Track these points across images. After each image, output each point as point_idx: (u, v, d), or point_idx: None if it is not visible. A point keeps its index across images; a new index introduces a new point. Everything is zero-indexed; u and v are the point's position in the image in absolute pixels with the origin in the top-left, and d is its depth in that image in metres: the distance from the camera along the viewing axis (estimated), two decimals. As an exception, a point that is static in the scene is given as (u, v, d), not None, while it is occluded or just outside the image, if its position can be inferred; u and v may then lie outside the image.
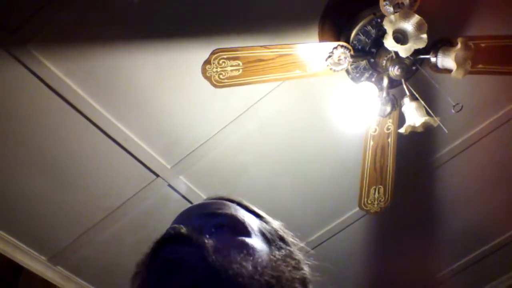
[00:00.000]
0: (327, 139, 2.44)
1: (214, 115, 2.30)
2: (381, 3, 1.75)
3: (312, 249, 2.76)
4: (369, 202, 2.29)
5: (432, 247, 3.06)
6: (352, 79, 2.10)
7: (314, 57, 1.90)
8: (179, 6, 1.96)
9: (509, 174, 2.70)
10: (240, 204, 0.77)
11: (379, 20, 1.92)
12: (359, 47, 1.99)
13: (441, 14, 2.00)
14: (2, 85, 2.09)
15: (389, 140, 2.12)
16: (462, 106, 1.84)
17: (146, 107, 2.24)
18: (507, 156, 2.61)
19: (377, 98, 2.00)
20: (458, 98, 1.91)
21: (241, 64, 1.87)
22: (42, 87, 2.10)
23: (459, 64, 1.76)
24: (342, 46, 1.91)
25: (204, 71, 1.86)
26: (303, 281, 0.68)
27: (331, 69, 1.93)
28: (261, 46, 1.88)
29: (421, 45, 1.75)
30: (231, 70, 1.87)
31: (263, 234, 0.72)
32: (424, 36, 1.73)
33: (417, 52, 1.79)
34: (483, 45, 1.90)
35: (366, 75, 2.07)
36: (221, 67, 1.86)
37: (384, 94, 2.02)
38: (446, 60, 1.84)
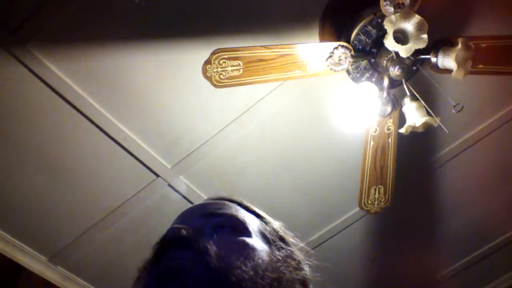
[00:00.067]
0: (327, 139, 2.44)
1: (215, 115, 2.30)
2: (382, 3, 1.75)
3: (312, 249, 2.75)
4: (369, 202, 2.29)
5: (432, 247, 3.06)
6: (353, 79, 2.10)
7: (314, 57, 1.90)
8: (179, 6, 1.96)
9: (509, 174, 2.70)
10: (240, 205, 0.77)
11: (379, 20, 1.92)
12: (360, 47, 1.99)
13: (441, 14, 2.00)
14: (2, 85, 2.09)
15: (390, 140, 2.12)
16: (462, 106, 1.84)
17: (146, 107, 2.23)
18: (507, 156, 2.61)
19: (378, 98, 2.00)
20: (458, 98, 1.91)
21: (241, 64, 1.87)
22: (42, 87, 2.10)
23: (459, 64, 1.76)
24: (342, 46, 1.91)
25: (204, 71, 1.86)
26: (304, 282, 0.68)
27: (331, 69, 1.93)
28: (261, 46, 1.87)
29: (421, 45, 1.75)
30: (232, 70, 1.87)
31: (263, 235, 0.72)
32: (425, 36, 1.73)
33: (417, 52, 1.79)
34: (483, 45, 1.89)
35: (367, 75, 2.07)
36: (221, 67, 1.86)
37: (385, 94, 2.01)
38: (446, 60, 1.84)
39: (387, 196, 2.28)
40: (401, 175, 2.33)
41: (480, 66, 1.92)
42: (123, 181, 2.47)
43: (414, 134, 1.92)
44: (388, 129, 2.10)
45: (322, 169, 2.57)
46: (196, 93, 2.20)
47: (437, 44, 1.88)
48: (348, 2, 2.01)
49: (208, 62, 1.84)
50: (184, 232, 0.65)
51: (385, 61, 1.93)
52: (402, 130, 1.91)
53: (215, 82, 1.89)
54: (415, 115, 1.90)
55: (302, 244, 0.76)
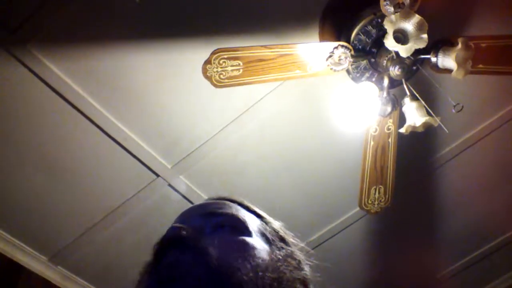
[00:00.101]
0: (327, 139, 2.44)
1: (215, 115, 2.30)
2: (382, 3, 1.75)
3: (313, 249, 2.76)
4: (369, 202, 2.29)
5: (432, 247, 3.06)
6: (353, 79, 2.10)
7: (314, 57, 1.90)
8: (179, 6, 1.96)
9: (509, 174, 2.70)
10: (241, 205, 0.77)
11: (379, 20, 1.92)
12: (360, 47, 1.99)
13: (441, 14, 2.00)
14: (2, 85, 2.09)
15: (390, 140, 2.12)
16: (462, 106, 1.84)
17: (146, 106, 2.23)
18: (507, 156, 2.61)
19: (378, 98, 2.00)
20: (458, 98, 1.91)
21: (241, 64, 1.87)
22: (42, 86, 2.10)
23: (459, 64, 1.76)
24: (342, 46, 1.91)
25: (204, 71, 1.86)
26: (304, 281, 0.68)
27: (331, 69, 1.93)
28: (261, 46, 1.87)
29: (421, 45, 1.75)
30: (232, 70, 1.87)
31: (263, 234, 0.72)
32: (425, 36, 1.73)
33: (417, 52, 1.79)
34: (483, 45, 1.89)
35: (367, 75, 2.07)
36: (221, 67, 1.86)
37: (385, 94, 2.01)
38: (446, 60, 1.84)
39: (387, 196, 2.28)
40: (401, 175, 2.33)
41: (480, 66, 1.92)
42: (123, 181, 2.47)
43: (414, 134, 1.92)
44: (388, 129, 2.10)
45: (322, 169, 2.57)
46: (196, 93, 2.20)
47: (437, 44, 1.88)
48: (348, 2, 2.01)
49: (208, 62, 1.84)
50: (184, 232, 0.65)
51: (385, 61, 1.93)
52: (402, 130, 1.91)
53: (215, 82, 1.89)
54: (415, 115, 1.90)
55: (302, 244, 0.76)
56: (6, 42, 1.96)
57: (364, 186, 2.24)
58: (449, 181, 2.70)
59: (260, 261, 0.64)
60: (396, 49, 1.78)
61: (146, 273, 0.66)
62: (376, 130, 2.11)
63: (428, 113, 1.90)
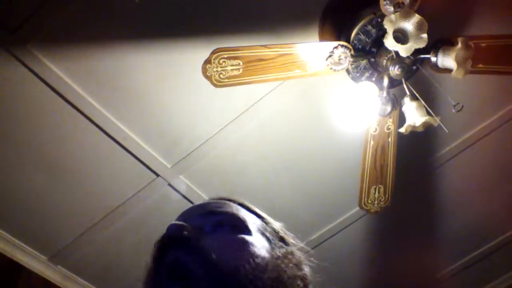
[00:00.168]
0: (327, 138, 2.44)
1: (214, 114, 2.30)
2: (381, 2, 1.75)
3: (312, 248, 2.75)
4: (369, 201, 2.29)
5: (432, 247, 3.06)
6: (353, 78, 2.10)
7: (314, 57, 1.90)
8: (179, 6, 1.96)
9: (509, 174, 2.70)
10: (241, 205, 0.77)
11: (379, 19, 1.92)
12: (360, 46, 1.99)
13: (441, 14, 2.00)
14: (2, 85, 2.09)
15: (390, 139, 2.12)
16: (462, 106, 1.84)
17: (146, 106, 2.24)
18: (507, 156, 2.61)
19: (378, 98, 2.00)
20: (458, 98, 1.91)
21: (241, 63, 1.87)
22: (42, 86, 2.10)
23: (459, 63, 1.76)
24: (342, 45, 1.91)
25: (204, 71, 1.86)
26: (304, 279, 0.68)
27: (331, 68, 1.93)
28: (261, 46, 1.88)
29: (421, 44, 1.75)
30: (231, 70, 1.87)
31: (263, 234, 0.72)
32: (425, 35, 1.73)
33: (417, 51, 1.79)
34: (483, 44, 1.90)
35: (367, 74, 2.07)
36: (221, 67, 1.86)
37: (385, 93, 2.01)
38: (446, 60, 1.84)
39: (387, 196, 2.28)
40: (401, 174, 2.33)
41: (480, 65, 1.92)
42: (123, 181, 2.47)
43: (414, 133, 1.92)
44: (388, 129, 2.10)
45: (322, 168, 2.57)
46: (196, 92, 2.20)
47: (437, 44, 1.88)
48: (348, 2, 2.01)
49: (208, 61, 1.85)
50: (185, 232, 0.65)
51: (385, 61, 1.93)
52: (402, 130, 1.91)
53: (215, 82, 1.89)
54: (415, 115, 1.90)
55: (302, 245, 0.77)
56: (6, 42, 1.96)
57: (364, 185, 2.24)
58: (448, 180, 2.70)
59: (260, 259, 0.64)
60: (396, 49, 1.78)
61: (147, 272, 0.66)
62: (376, 129, 2.11)
63: (428, 113, 1.90)
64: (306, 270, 0.70)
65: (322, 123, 2.37)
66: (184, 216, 0.74)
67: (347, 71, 2.06)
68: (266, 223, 0.76)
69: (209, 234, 0.68)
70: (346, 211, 2.78)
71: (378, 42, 1.93)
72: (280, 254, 0.68)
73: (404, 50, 1.75)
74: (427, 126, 1.89)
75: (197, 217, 0.72)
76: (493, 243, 3.07)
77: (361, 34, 1.98)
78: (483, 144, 2.53)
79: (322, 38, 2.07)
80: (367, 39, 1.98)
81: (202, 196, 2.56)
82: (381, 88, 2.00)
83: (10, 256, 2.56)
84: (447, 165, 2.63)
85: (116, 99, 2.19)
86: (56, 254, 2.66)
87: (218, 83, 1.89)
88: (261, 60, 1.87)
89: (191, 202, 2.55)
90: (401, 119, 2.00)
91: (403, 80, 1.94)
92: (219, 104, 2.26)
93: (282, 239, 0.74)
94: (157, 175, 2.47)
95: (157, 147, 2.38)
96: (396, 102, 2.04)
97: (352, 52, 1.93)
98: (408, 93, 1.94)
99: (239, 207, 0.76)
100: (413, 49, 1.75)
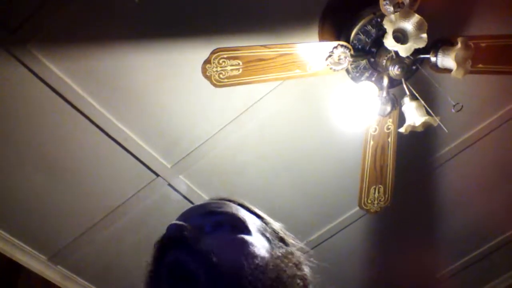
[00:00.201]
0: (327, 138, 2.44)
1: (214, 114, 2.30)
2: (381, 2, 1.75)
3: (312, 248, 2.76)
4: (369, 201, 2.29)
5: (432, 247, 3.06)
6: (352, 78, 2.10)
7: (314, 57, 1.90)
8: (178, 6, 1.96)
9: (509, 174, 2.70)
10: (241, 205, 0.77)
11: (379, 19, 1.92)
12: (359, 46, 1.99)
13: (441, 14, 2.00)
14: (2, 85, 2.09)
15: (389, 139, 2.12)
16: (462, 106, 1.84)
17: (146, 106, 2.24)
18: (506, 156, 2.61)
19: (377, 98, 2.00)
20: (458, 98, 1.91)
21: (241, 63, 1.87)
22: (42, 87, 2.10)
23: (459, 63, 1.76)
24: (342, 45, 1.91)
25: (204, 71, 1.86)
26: (303, 279, 0.68)
27: (331, 68, 1.93)
28: (261, 46, 1.88)
29: (421, 44, 1.75)
30: (231, 70, 1.87)
31: (263, 234, 0.72)
32: (424, 35, 1.73)
33: (417, 51, 1.79)
34: (483, 44, 1.90)
35: (366, 74, 2.07)
36: (221, 67, 1.86)
37: (384, 93, 2.02)
38: (446, 60, 1.84)
39: (386, 196, 2.28)
40: (401, 174, 2.33)
41: (480, 65, 1.92)
42: (123, 181, 2.47)
43: (413, 133, 1.92)
44: (388, 129, 2.10)
45: (322, 168, 2.57)
46: (196, 93, 2.20)
47: (437, 44, 1.88)
48: (347, 2, 2.01)
49: (207, 61, 1.85)
50: (185, 232, 0.65)
51: (384, 61, 1.93)
52: (402, 130, 1.91)
53: (214, 82, 1.89)
54: (414, 115, 1.90)
55: (302, 245, 0.77)
56: (6, 42, 1.96)
57: (364, 185, 2.24)
58: (448, 180, 2.70)
59: (260, 259, 0.64)
60: (395, 49, 1.78)
61: (148, 273, 0.66)
62: (375, 129, 2.11)
63: (428, 113, 1.91)
64: (306, 270, 0.70)
65: (322, 123, 2.37)
66: (184, 216, 0.74)
67: (347, 71, 2.06)
68: (266, 223, 0.76)
69: (209, 234, 0.68)
70: (346, 211, 2.78)
71: (378, 42, 1.93)
72: (280, 254, 0.68)
73: (403, 50, 1.75)
74: (427, 126, 1.89)
75: (197, 217, 0.72)
76: (493, 243, 3.07)
77: (361, 34, 1.98)
78: (483, 144, 2.53)
79: (322, 38, 2.07)
80: (367, 39, 1.98)
81: (202, 196, 2.56)
82: (381, 88, 2.00)
83: (10, 256, 2.56)
84: (447, 165, 2.63)
85: (116, 99, 2.19)
86: (55, 254, 2.66)
87: (217, 83, 1.90)
88: (261, 60, 1.87)
89: (191, 202, 2.55)
90: (401, 119, 2.00)
91: (403, 80, 1.94)
92: (219, 104, 2.26)
93: (282, 240, 0.74)
94: (157, 175, 2.47)
95: (157, 147, 2.38)
96: (396, 102, 2.04)
97: (352, 52, 1.93)
98: (408, 93, 1.94)
99: (239, 207, 0.76)
100: (412, 49, 1.75)
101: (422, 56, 1.90)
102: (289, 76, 1.95)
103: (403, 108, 1.95)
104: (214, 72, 1.86)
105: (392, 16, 1.72)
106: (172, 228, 0.66)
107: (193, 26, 2.03)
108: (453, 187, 2.74)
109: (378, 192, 2.27)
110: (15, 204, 2.44)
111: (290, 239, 0.76)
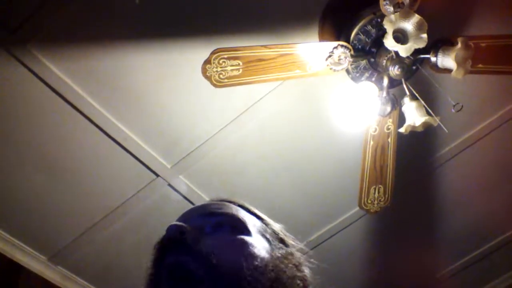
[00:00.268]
0: (327, 138, 2.44)
1: (214, 114, 2.30)
2: (381, 2, 1.75)
3: (312, 249, 2.76)
4: (369, 201, 2.29)
5: (432, 247, 3.06)
6: (352, 78, 2.10)
7: (314, 57, 1.90)
8: (178, 6, 1.96)
9: (509, 174, 2.70)
10: (241, 206, 0.77)
11: (379, 19, 1.92)
12: (359, 46, 1.99)
13: (441, 14, 2.00)
14: (2, 85, 2.09)
15: (389, 139, 2.12)
16: (462, 106, 1.84)
17: (146, 106, 2.24)
18: (507, 156, 2.61)
19: (377, 98, 2.00)
20: (458, 98, 1.91)
21: (241, 63, 1.87)
22: (42, 87, 2.10)
23: (459, 63, 1.76)
24: (342, 45, 1.91)
25: (204, 71, 1.86)
26: (303, 280, 0.68)
27: (331, 68, 1.93)
28: (261, 46, 1.88)
29: (421, 44, 1.75)
30: (231, 70, 1.87)
31: (263, 235, 0.72)
32: (424, 35, 1.73)
33: (417, 51, 1.79)
34: (483, 44, 1.90)
35: (366, 74, 2.07)
36: (221, 67, 1.86)
37: (384, 93, 2.02)
38: (446, 60, 1.84)
39: (386, 196, 2.28)
40: (401, 174, 2.33)
41: (480, 65, 1.92)
42: (123, 181, 2.47)
43: (413, 133, 1.92)
44: (388, 129, 2.10)
45: (322, 168, 2.57)
46: (196, 93, 2.20)
47: (437, 44, 1.88)
48: (347, 2, 2.01)
49: (207, 61, 1.85)
50: (185, 233, 0.65)
51: (384, 61, 1.93)
52: (402, 130, 1.91)
53: (214, 82, 1.89)
54: (414, 115, 1.90)
55: (302, 246, 0.77)
56: (6, 42, 1.96)
57: (364, 185, 2.24)
58: (448, 180, 2.70)
59: (259, 259, 0.64)
60: (395, 49, 1.78)
61: (148, 274, 0.66)
62: (375, 129, 2.11)
63: (428, 113, 1.91)
64: (306, 271, 0.70)
65: (322, 123, 2.37)
66: (184, 217, 0.74)
67: (347, 71, 2.06)
68: (266, 224, 0.76)
69: (209, 235, 0.68)
70: (346, 211, 2.78)
71: (378, 42, 1.93)
72: (279, 255, 0.68)
73: (404, 50, 1.75)
74: (427, 126, 1.89)
75: (197, 218, 0.72)
76: (493, 243, 3.07)
77: (361, 34, 1.98)
78: (483, 144, 2.53)
79: (322, 38, 2.07)
80: (367, 39, 1.98)
81: (202, 196, 2.56)
82: (381, 88, 2.00)
83: (10, 256, 2.56)
84: (447, 165, 2.63)
85: (116, 99, 2.19)
86: (55, 254, 2.66)
87: (218, 83, 1.89)
88: (261, 60, 1.87)
89: (191, 202, 2.55)
90: (401, 119, 2.00)
91: (403, 80, 1.94)
92: (219, 104, 2.26)
93: (282, 241, 0.74)
94: (157, 175, 2.47)
95: (157, 147, 2.38)
96: (396, 102, 2.04)
97: (352, 52, 1.93)
98: (408, 93, 1.94)
99: (239, 208, 0.76)
100: (412, 49, 1.75)
101: (422, 56, 1.90)
102: (289, 76, 1.95)
103: (403, 108, 1.95)
104: (214, 72, 1.86)
105: (392, 16, 1.72)
106: (172, 229, 0.66)
107: (193, 26, 2.03)
108: (453, 187, 2.74)
109: (378, 192, 2.27)
110: (15, 204, 2.44)
111: (290, 240, 0.76)
